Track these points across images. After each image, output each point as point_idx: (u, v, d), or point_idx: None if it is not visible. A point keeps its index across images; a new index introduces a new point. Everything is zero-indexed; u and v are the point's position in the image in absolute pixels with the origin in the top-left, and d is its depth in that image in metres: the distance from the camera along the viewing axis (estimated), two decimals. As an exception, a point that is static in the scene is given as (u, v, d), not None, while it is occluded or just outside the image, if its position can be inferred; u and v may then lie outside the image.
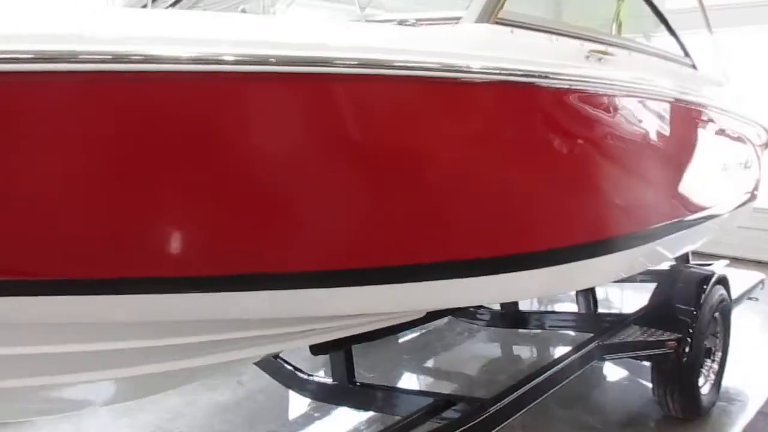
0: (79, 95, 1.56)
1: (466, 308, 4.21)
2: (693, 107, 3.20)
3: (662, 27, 3.32)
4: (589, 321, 3.83)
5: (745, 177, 4.41)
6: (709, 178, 3.88)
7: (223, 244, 1.91)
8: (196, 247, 1.89)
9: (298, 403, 3.86)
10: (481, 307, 4.33)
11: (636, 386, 4.13)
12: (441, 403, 2.88)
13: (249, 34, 1.73)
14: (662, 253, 3.62)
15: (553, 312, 4.26)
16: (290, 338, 2.68)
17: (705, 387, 3.74)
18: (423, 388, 4.23)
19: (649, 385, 3.66)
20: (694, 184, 3.72)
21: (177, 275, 1.89)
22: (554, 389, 2.99)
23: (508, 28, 2.05)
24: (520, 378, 3.00)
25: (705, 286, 3.57)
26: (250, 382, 4.12)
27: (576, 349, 3.25)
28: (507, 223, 2.57)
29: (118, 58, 1.52)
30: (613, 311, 4.99)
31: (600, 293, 5.99)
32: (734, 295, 4.16)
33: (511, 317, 4.20)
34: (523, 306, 4.34)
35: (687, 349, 3.42)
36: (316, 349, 3.04)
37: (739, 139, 4.02)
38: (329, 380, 3.16)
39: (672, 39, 3.33)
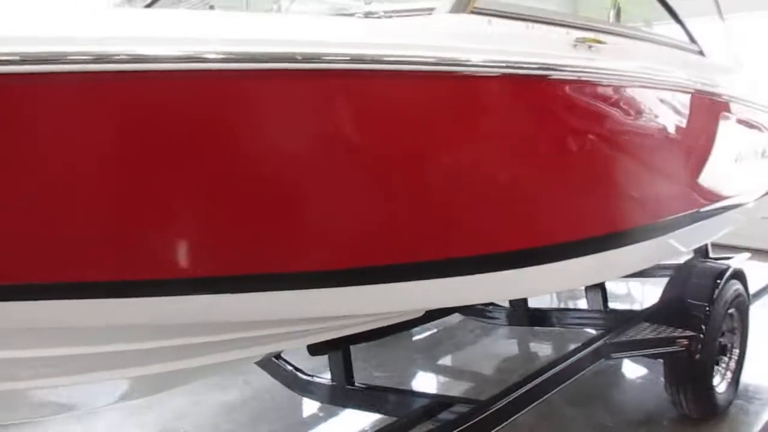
0: (68, 97, 1.54)
1: (475, 307, 4.14)
2: (703, 95, 3.08)
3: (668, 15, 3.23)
4: (597, 318, 3.73)
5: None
6: (728, 168, 3.76)
7: (222, 246, 1.89)
8: (195, 249, 1.87)
9: (305, 404, 3.84)
10: (491, 304, 4.26)
11: (651, 383, 4.01)
12: (438, 404, 2.82)
13: (235, 32, 1.70)
14: (678, 246, 3.52)
15: (561, 309, 4.15)
16: (287, 338, 2.65)
17: (721, 385, 3.61)
18: (433, 388, 4.18)
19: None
20: (711, 173, 3.60)
21: (179, 277, 1.87)
22: (556, 390, 2.90)
23: (486, 18, 1.97)
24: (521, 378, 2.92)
25: (719, 281, 3.43)
26: (257, 381, 4.09)
27: (581, 348, 3.15)
28: (512, 219, 2.51)
29: (104, 59, 1.50)
30: (626, 307, 4.87)
31: (620, 288, 5.94)
32: (753, 289, 4.02)
33: (519, 315, 4.10)
34: (533, 303, 4.24)
35: (699, 347, 3.30)
36: (314, 350, 3.02)
37: (758, 127, 3.87)
38: (327, 381, 3.11)
39: (677, 26, 3.21)
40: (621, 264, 3.17)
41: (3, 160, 1.50)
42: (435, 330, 4.99)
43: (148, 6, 2.44)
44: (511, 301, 4.17)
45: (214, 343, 2.31)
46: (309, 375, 3.22)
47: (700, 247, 4.50)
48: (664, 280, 3.82)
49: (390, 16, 1.87)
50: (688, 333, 3.30)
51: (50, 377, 2.03)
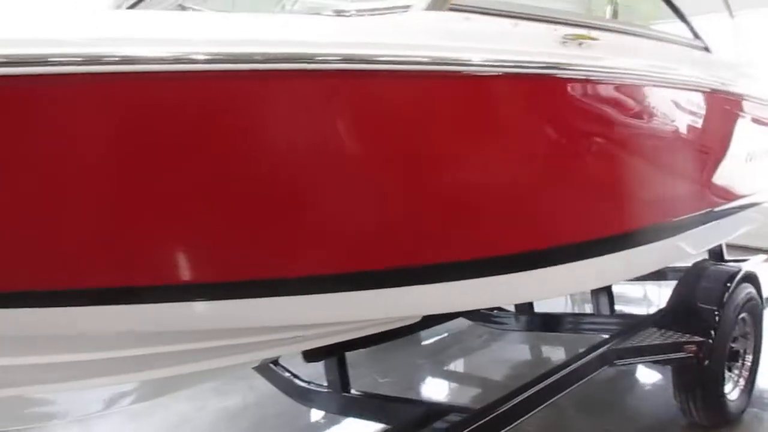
0: (59, 100, 1.52)
1: (481, 311, 4.06)
2: (709, 91, 2.98)
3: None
4: (602, 323, 3.62)
5: None
6: (740, 166, 3.64)
7: (216, 252, 1.86)
8: (192, 256, 1.85)
9: (307, 410, 3.78)
10: (496, 309, 4.18)
11: (663, 390, 3.89)
12: (434, 412, 2.75)
13: (225, 33, 1.66)
14: (692, 246, 3.41)
15: (565, 314, 4.04)
16: (282, 344, 2.62)
17: (733, 393, 3.49)
18: (437, 394, 4.11)
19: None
20: (722, 171, 3.50)
21: (177, 284, 1.85)
22: (554, 399, 2.81)
23: (463, 15, 1.91)
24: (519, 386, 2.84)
25: (729, 285, 3.31)
26: (261, 387, 4.04)
27: (583, 355, 3.06)
28: (513, 221, 2.45)
29: (91, 60, 1.48)
30: (639, 311, 4.75)
31: (633, 291, 5.81)
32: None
33: (521, 320, 4.01)
34: (543, 307, 4.15)
35: (709, 353, 3.18)
36: (310, 356, 2.98)
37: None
38: (323, 388, 3.07)
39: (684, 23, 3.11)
40: (630, 266, 3.08)
41: None
42: (442, 335, 4.92)
43: (132, 7, 2.42)
44: (516, 306, 4.09)
45: (207, 350, 2.27)
46: (305, 382, 3.17)
47: (714, 249, 4.39)
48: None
49: (362, 15, 1.81)
50: (697, 338, 3.19)
51: (47, 383, 2.02)
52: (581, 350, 3.19)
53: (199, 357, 2.35)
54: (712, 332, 3.21)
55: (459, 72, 1.82)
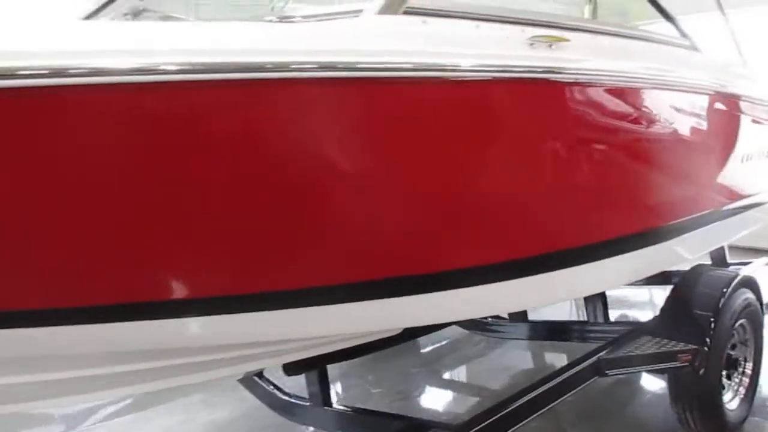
0: (26, 113, 1.49)
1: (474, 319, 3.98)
2: (697, 90, 2.88)
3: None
4: (595, 331, 3.51)
5: None
6: (738, 165, 3.53)
7: (197, 268, 1.84)
8: (177, 273, 1.83)
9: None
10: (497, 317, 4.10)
11: (663, 398, 3.76)
12: (412, 427, 2.68)
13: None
14: (691, 249, 3.31)
15: (554, 321, 3.93)
16: (262, 358, 2.58)
17: (733, 402, 3.38)
18: (429, 405, 4.02)
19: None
20: (721, 171, 3.40)
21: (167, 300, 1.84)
22: (541, 411, 2.72)
23: (419, 18, 1.83)
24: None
25: (725, 290, 3.19)
26: (251, 399, 3.97)
27: (571, 365, 2.96)
28: (501, 229, 2.38)
29: (58, 73, 1.45)
30: (638, 317, 4.64)
31: (641, 295, 5.68)
32: (769, 297, 3.77)
33: (513, 328, 3.92)
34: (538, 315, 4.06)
35: (704, 362, 3.07)
36: (290, 369, 2.93)
37: (764, 123, 3.63)
38: (303, 401, 3.00)
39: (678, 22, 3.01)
40: (623, 271, 2.99)
41: None
42: (440, 343, 4.83)
43: (89, 18, 2.37)
44: (510, 314, 4.00)
45: (190, 365, 2.24)
46: (287, 395, 3.11)
47: (717, 252, 4.28)
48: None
49: (308, 21, 1.74)
50: (691, 347, 3.07)
51: (28, 401, 2.04)
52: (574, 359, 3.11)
53: (182, 372, 2.35)
54: (708, 340, 3.09)
55: (413, 78, 1.74)
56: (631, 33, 2.64)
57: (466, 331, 4.52)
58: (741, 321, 3.35)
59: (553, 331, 3.81)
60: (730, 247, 5.57)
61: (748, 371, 3.47)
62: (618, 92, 2.47)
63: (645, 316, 4.93)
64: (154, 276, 1.82)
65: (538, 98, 2.21)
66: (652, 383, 4.00)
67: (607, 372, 3.03)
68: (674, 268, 3.72)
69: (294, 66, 1.53)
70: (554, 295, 2.83)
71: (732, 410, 3.33)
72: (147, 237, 1.75)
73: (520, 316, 3.99)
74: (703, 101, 2.99)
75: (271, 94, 1.58)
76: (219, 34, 1.59)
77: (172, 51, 1.47)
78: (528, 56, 2.04)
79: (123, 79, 1.43)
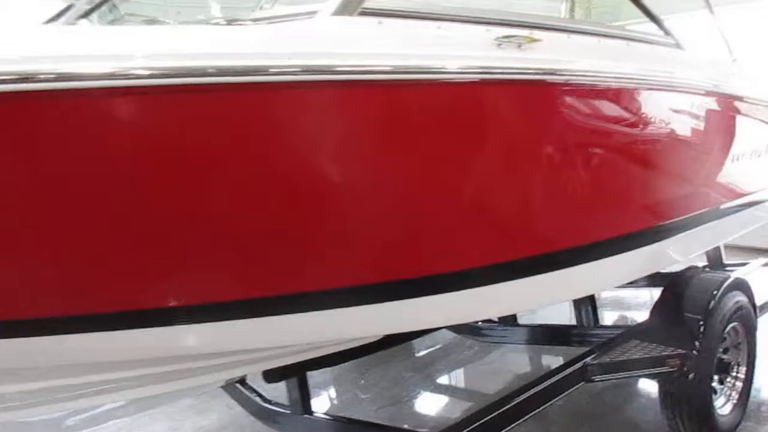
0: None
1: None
2: (679, 88, 2.82)
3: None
4: (582, 335, 3.45)
5: None
6: (733, 163, 3.46)
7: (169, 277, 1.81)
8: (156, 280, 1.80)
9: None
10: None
11: (655, 403, 3.71)
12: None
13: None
14: (684, 249, 3.24)
15: (543, 325, 3.86)
16: (236, 366, 2.55)
17: (725, 407, 3.31)
18: (420, 409, 3.96)
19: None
20: (712, 169, 3.35)
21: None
22: (522, 420, 2.67)
23: (375, 19, 1.78)
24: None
25: (715, 293, 3.12)
26: (239, 406, 3.97)
27: (555, 372, 2.91)
28: (479, 233, 2.33)
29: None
30: (626, 322, 4.56)
31: (640, 297, 5.59)
32: (764, 299, 3.70)
33: (501, 332, 3.86)
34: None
35: (693, 366, 3.00)
36: (269, 377, 2.90)
37: (756, 120, 3.56)
38: (284, 409, 2.96)
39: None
40: (611, 274, 2.93)
41: None
42: (433, 347, 4.77)
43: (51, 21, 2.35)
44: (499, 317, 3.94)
45: (169, 373, 2.21)
46: (268, 402, 3.07)
47: (712, 251, 4.21)
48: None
49: (258, 23, 1.70)
50: (680, 351, 3.01)
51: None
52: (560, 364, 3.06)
53: (162, 380, 2.34)
54: (697, 344, 3.03)
55: (367, 80, 1.69)
56: (612, 32, 2.58)
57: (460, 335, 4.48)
58: (733, 324, 3.28)
59: (543, 335, 3.75)
60: (731, 247, 5.51)
61: (741, 375, 3.40)
62: (597, 92, 2.43)
63: (644, 318, 4.86)
64: (137, 286, 1.79)
65: (513, 100, 2.16)
66: (645, 387, 3.92)
67: (593, 378, 2.97)
68: (674, 268, 3.69)
69: (227, 70, 1.48)
70: (545, 298, 2.78)
71: (724, 415, 3.27)
72: (119, 245, 1.72)
73: (510, 320, 3.93)
74: (689, 99, 2.92)
75: (217, 99, 1.55)
76: (161, 37, 1.55)
77: (87, 57, 1.43)
78: (496, 57, 1.99)
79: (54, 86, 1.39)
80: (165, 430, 3.78)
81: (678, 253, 3.26)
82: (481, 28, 2.00)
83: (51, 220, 1.60)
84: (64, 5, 2.21)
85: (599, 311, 3.68)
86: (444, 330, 4.11)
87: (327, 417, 2.96)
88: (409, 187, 1.94)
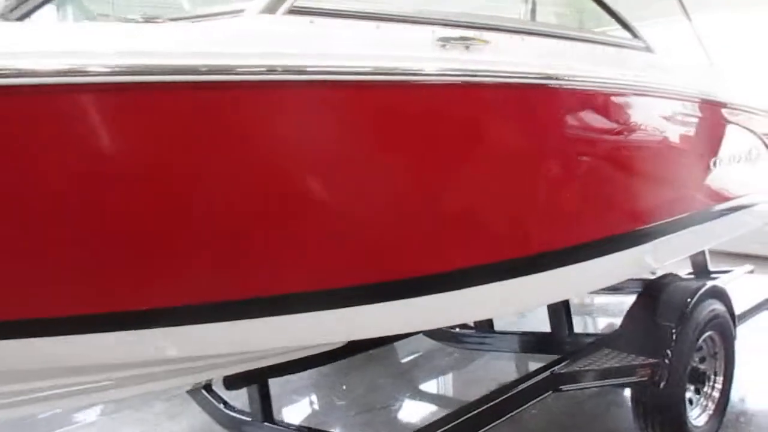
0: None
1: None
2: (646, 92, 2.75)
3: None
4: (552, 343, 3.37)
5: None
6: (715, 167, 3.39)
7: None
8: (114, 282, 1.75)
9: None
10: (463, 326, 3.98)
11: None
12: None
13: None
14: (661, 255, 3.17)
15: (509, 333, 3.79)
16: (193, 372, 2.51)
17: (700, 417, 3.24)
18: (393, 417, 3.91)
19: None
20: (693, 173, 3.28)
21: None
22: (485, 429, 2.61)
23: (307, 18, 1.73)
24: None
25: (688, 300, 3.05)
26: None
27: (521, 381, 2.85)
28: (441, 239, 2.27)
29: None
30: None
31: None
32: (745, 307, 3.62)
33: (474, 339, 3.80)
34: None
35: (665, 376, 2.93)
36: (230, 383, 2.85)
37: (735, 125, 3.48)
38: (245, 416, 2.92)
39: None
40: (586, 279, 2.87)
41: None
42: (416, 353, 4.72)
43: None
44: (475, 323, 3.88)
45: (128, 378, 2.19)
46: (231, 409, 3.03)
47: (697, 257, 4.14)
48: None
49: (176, 21, 1.65)
50: (651, 360, 2.94)
51: None
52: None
53: (121, 385, 2.27)
54: (669, 352, 2.95)
55: (294, 81, 1.64)
56: (573, 35, 2.52)
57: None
58: (708, 333, 3.21)
59: (515, 342, 3.68)
60: (721, 254, 5.42)
61: (718, 386, 3.32)
62: (559, 94, 2.37)
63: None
64: (92, 289, 1.75)
65: (468, 103, 2.11)
66: (626, 395, 3.85)
67: (561, 387, 2.91)
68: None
69: (122, 70, 1.44)
70: (517, 303, 2.72)
71: (699, 427, 3.19)
72: (71, 247, 1.68)
73: (486, 327, 3.87)
74: (659, 102, 2.86)
75: (134, 98, 1.50)
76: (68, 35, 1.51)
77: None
78: (439, 58, 1.94)
79: None
80: (137, 434, 3.75)
81: (657, 258, 3.20)
82: (427, 29, 1.95)
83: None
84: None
85: (595, 318, 3.63)
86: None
87: (287, 425, 2.90)
88: (360, 189, 1.90)
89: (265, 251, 1.94)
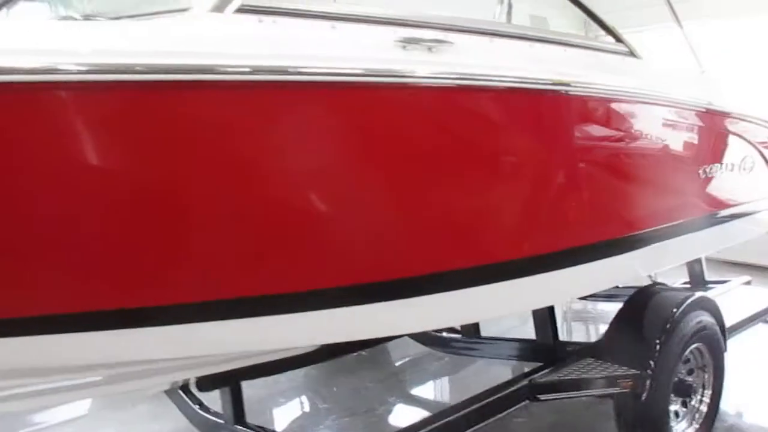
0: None
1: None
2: (628, 98, 2.69)
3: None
4: (536, 350, 3.31)
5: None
6: (706, 174, 3.32)
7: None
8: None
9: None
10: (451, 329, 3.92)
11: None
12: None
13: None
14: (651, 262, 3.11)
15: (496, 339, 3.73)
16: (167, 372, 2.50)
17: (687, 431, 3.14)
18: (376, 421, 3.86)
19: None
20: (683, 179, 3.21)
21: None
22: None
23: (256, 17, 1.69)
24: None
25: (674, 311, 2.97)
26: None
27: (497, 390, 2.79)
28: (417, 241, 2.23)
29: None
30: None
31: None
32: (737, 319, 3.53)
33: (459, 344, 3.74)
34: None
35: (647, 388, 2.85)
36: (202, 385, 2.84)
37: (723, 132, 3.40)
38: (218, 418, 2.90)
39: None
40: (572, 285, 2.81)
41: None
42: (409, 357, 4.66)
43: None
44: (462, 328, 3.82)
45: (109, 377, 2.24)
46: (206, 410, 3.01)
47: (693, 266, 4.06)
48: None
49: (119, 18, 1.62)
50: (633, 372, 2.87)
51: None
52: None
53: (96, 385, 2.29)
54: (652, 364, 2.88)
55: (238, 81, 1.60)
56: (549, 37, 2.45)
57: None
58: (696, 345, 3.12)
59: (501, 349, 3.62)
60: (723, 262, 5.32)
61: (706, 399, 3.23)
62: (530, 98, 2.32)
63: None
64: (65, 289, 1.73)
65: (429, 106, 2.07)
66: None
67: (538, 396, 2.85)
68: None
69: (62, 68, 1.41)
70: (499, 308, 2.66)
71: (685, 440, 3.11)
72: (40, 246, 1.66)
73: (472, 333, 3.81)
74: (646, 109, 2.79)
75: (72, 98, 1.48)
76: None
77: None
78: (398, 59, 1.89)
79: None
80: (118, 434, 3.74)
81: (649, 264, 3.14)
82: (388, 30, 1.90)
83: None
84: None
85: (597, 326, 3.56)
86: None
87: (259, 428, 2.86)
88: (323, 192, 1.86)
89: (244, 252, 1.91)
